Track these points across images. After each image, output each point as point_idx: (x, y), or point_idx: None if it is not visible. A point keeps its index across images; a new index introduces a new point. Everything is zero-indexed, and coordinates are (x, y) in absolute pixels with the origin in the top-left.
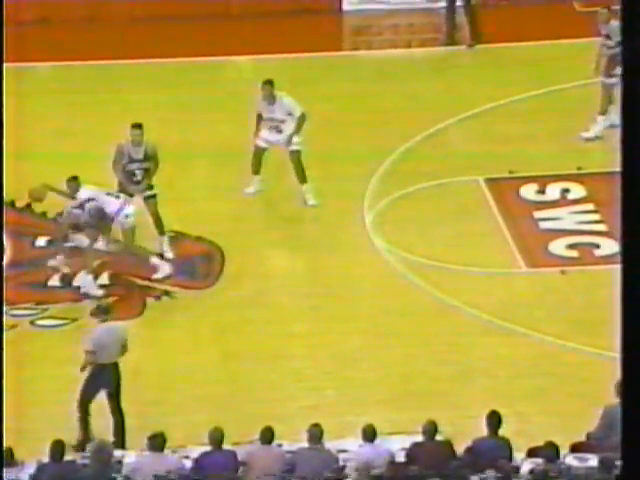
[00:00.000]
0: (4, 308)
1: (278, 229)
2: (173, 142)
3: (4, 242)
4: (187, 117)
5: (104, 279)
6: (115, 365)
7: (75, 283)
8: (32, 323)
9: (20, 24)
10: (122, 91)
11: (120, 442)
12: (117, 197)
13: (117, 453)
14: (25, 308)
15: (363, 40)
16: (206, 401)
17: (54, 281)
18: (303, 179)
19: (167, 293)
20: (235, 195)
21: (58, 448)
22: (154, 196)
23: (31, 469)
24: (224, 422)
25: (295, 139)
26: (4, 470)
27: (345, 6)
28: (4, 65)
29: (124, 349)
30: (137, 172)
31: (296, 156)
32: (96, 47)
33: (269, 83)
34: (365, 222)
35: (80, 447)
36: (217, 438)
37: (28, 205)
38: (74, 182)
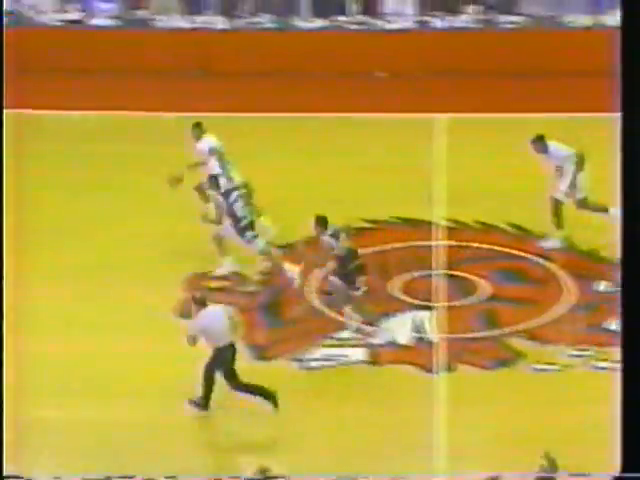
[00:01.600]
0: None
1: None
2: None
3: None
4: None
5: None
6: (229, 347)
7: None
8: (588, 365)
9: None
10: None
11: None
12: None
13: None
14: (584, 349)
15: None
16: None
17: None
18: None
19: None
20: None
21: None
22: None
23: None
24: None
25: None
26: None
27: None
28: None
29: (235, 331)
30: None
31: (583, 203)
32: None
33: (540, 138)
34: None
35: (199, 404)
36: None
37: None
38: None
